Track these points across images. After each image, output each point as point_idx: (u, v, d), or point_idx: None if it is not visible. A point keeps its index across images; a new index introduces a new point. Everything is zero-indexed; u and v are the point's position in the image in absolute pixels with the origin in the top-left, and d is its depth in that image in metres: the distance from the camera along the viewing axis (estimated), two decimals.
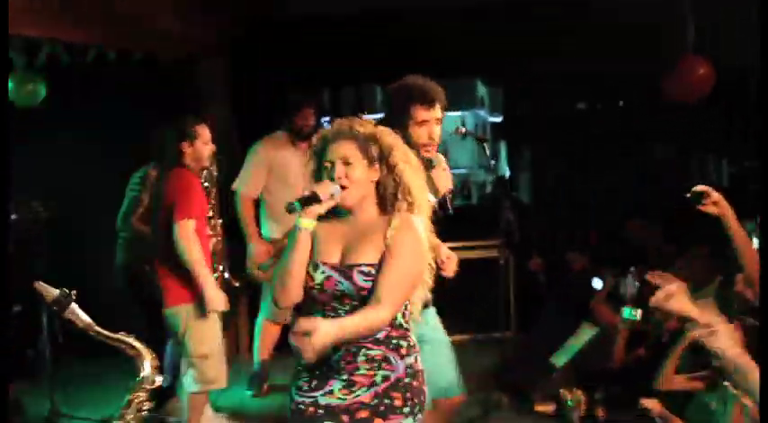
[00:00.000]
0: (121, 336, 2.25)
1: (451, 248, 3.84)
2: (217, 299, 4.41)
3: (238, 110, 6.97)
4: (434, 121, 3.58)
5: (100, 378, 5.92)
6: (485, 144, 4.87)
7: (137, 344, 2.28)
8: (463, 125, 6.54)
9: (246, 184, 5.58)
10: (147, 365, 2.32)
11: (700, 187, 3.48)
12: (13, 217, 5.53)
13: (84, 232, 6.94)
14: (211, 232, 4.83)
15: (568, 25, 9.59)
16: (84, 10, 4.77)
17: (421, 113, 3.55)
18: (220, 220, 5.07)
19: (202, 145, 4.58)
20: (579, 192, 10.68)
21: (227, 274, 5.11)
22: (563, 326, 5.85)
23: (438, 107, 3.59)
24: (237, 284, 5.26)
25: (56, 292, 2.07)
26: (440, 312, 4.11)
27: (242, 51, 6.97)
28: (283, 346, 5.85)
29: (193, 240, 4.30)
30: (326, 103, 14.29)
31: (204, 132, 4.61)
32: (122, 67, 6.80)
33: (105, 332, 2.21)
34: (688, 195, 3.50)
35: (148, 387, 2.30)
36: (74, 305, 2.05)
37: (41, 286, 2.17)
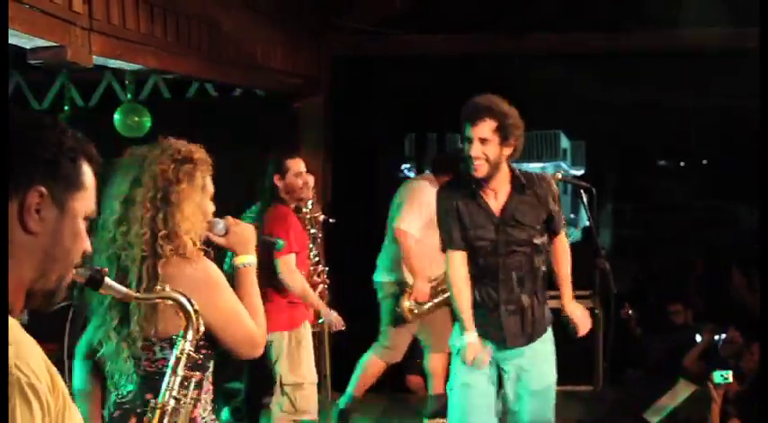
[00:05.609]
0: (160, 292, 2.18)
1: None
2: (336, 317, 4.81)
3: (334, 148, 7.03)
4: (477, 140, 3.58)
5: None
6: (582, 190, 4.80)
7: (176, 295, 2.17)
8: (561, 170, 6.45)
9: (413, 223, 5.41)
10: (191, 316, 2.21)
11: None
12: None
13: None
14: (318, 279, 4.90)
15: (658, 79, 9.49)
16: (196, 44, 4.90)
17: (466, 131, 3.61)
18: (326, 268, 5.10)
19: (293, 178, 4.63)
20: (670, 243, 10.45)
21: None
22: (659, 381, 5.67)
23: (480, 126, 3.57)
24: (343, 328, 5.23)
25: (87, 271, 2.06)
26: None
27: (340, 91, 7.06)
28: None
29: (296, 272, 4.50)
30: (411, 148, 14.38)
31: (295, 165, 4.66)
32: (223, 100, 7.01)
33: (144, 295, 2.20)
34: None
35: (195, 337, 2.22)
36: (107, 279, 2.03)
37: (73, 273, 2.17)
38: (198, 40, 4.87)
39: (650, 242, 11.90)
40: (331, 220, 5.23)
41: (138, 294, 2.19)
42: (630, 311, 7.04)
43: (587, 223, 12.22)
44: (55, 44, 3.61)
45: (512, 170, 3.73)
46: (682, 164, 18.61)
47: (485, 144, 3.55)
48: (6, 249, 1.30)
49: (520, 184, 3.70)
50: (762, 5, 4.06)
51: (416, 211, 5.39)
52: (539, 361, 3.84)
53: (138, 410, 2.35)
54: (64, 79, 6.69)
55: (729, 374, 4.96)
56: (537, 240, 3.76)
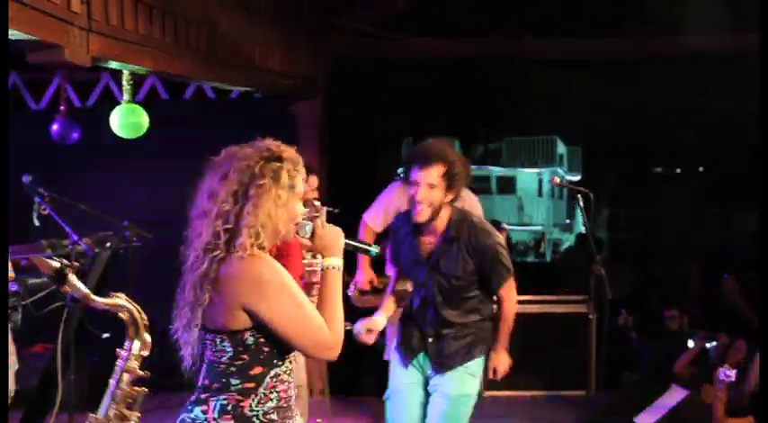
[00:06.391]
0: (117, 299, 2.20)
1: (537, 302, 3.55)
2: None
3: (331, 150, 7.04)
4: (425, 185, 3.54)
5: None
6: (579, 196, 4.80)
7: (129, 305, 2.21)
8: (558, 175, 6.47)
9: (373, 218, 5.55)
10: (140, 329, 2.25)
11: None
12: (107, 244, 5.60)
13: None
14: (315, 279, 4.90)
15: (656, 84, 9.49)
16: (194, 45, 4.91)
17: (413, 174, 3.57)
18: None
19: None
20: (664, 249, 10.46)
21: None
22: (651, 386, 5.68)
23: (428, 171, 3.53)
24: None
25: (57, 264, 2.05)
26: (518, 366, 4.02)
27: (334, 92, 7.07)
28: None
29: None
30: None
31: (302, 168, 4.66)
32: (221, 101, 7.01)
33: (102, 300, 2.17)
34: None
35: (141, 353, 2.24)
36: (72, 276, 2.03)
37: (40, 260, 2.16)
38: (196, 41, 4.88)
39: (647, 247, 11.92)
40: (335, 211, 5.23)
41: (94, 298, 2.16)
42: (628, 318, 7.05)
43: (583, 228, 12.24)
44: (53, 44, 3.62)
45: (450, 219, 3.65)
46: (678, 170, 18.66)
47: (431, 189, 3.51)
48: (6, 248, 1.27)
49: (449, 236, 3.63)
50: (762, 9, 4.08)
51: (380, 207, 5.49)
52: (454, 375, 3.73)
53: (202, 396, 2.37)
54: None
55: (733, 373, 4.99)
56: (468, 293, 3.70)
